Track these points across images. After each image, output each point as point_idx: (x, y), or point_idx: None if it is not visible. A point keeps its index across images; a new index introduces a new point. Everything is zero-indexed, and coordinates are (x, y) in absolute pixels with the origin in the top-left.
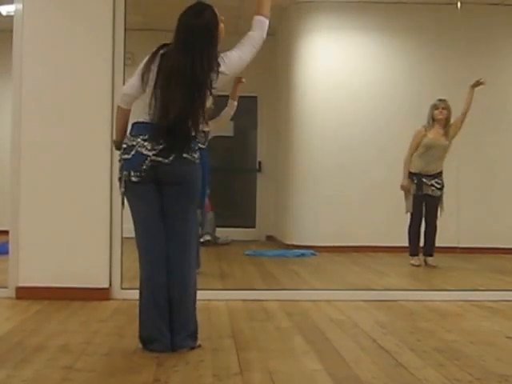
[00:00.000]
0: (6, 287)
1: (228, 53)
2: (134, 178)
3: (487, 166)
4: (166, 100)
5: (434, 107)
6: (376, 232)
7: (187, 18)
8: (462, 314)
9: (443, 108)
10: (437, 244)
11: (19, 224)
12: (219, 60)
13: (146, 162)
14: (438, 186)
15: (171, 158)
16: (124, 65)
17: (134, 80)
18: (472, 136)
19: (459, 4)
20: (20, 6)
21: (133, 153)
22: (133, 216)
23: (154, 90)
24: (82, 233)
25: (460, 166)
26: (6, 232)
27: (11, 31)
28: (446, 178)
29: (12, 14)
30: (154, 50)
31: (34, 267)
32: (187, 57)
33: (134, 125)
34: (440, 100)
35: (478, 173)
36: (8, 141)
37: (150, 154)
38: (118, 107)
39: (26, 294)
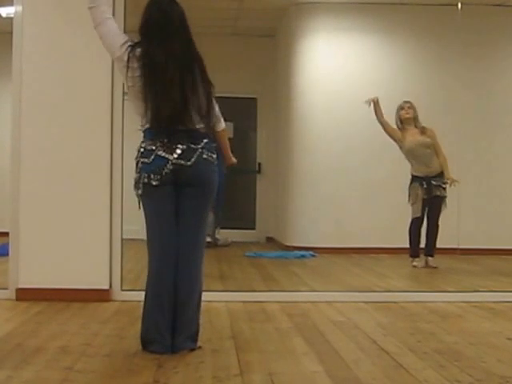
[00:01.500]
0: (6, 288)
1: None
2: (154, 182)
3: (487, 167)
4: (158, 101)
5: (400, 108)
6: (376, 233)
7: (158, 9)
8: (463, 316)
9: (409, 107)
10: (437, 245)
11: (19, 225)
12: None
13: (168, 165)
14: (444, 186)
15: (193, 161)
16: None
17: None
18: (472, 138)
19: (460, 5)
20: (20, 8)
21: (152, 157)
22: (146, 215)
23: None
24: (82, 234)
25: (460, 168)
26: (6, 233)
27: (11, 33)
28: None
29: (12, 15)
30: (130, 50)
31: (34, 269)
32: (172, 45)
33: (147, 130)
34: (404, 101)
35: (478, 174)
36: (8, 143)
37: (171, 157)
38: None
39: (26, 295)
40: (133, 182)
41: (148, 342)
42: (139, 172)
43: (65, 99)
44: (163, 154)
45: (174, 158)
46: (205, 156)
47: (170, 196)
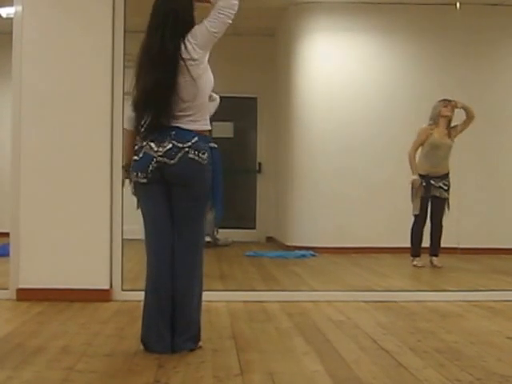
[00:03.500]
0: (6, 289)
1: (196, 26)
2: (141, 180)
3: (488, 166)
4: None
5: (442, 105)
6: (377, 233)
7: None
8: (463, 315)
9: (451, 106)
10: None
11: (20, 226)
12: (188, 38)
13: (152, 163)
14: (446, 188)
15: (176, 159)
16: (124, 67)
17: None
18: (473, 137)
19: (458, 4)
20: (20, 8)
21: (141, 155)
22: (142, 215)
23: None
24: (83, 234)
25: (461, 167)
26: (6, 234)
27: (11, 33)
28: None
29: (12, 16)
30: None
31: (35, 269)
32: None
33: (144, 128)
34: (448, 100)
35: (479, 174)
36: (8, 143)
37: (156, 155)
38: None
39: (26, 295)
40: None
41: (148, 342)
42: (131, 170)
43: (65, 99)
44: (149, 151)
45: (159, 156)
46: (191, 156)
47: (161, 195)
